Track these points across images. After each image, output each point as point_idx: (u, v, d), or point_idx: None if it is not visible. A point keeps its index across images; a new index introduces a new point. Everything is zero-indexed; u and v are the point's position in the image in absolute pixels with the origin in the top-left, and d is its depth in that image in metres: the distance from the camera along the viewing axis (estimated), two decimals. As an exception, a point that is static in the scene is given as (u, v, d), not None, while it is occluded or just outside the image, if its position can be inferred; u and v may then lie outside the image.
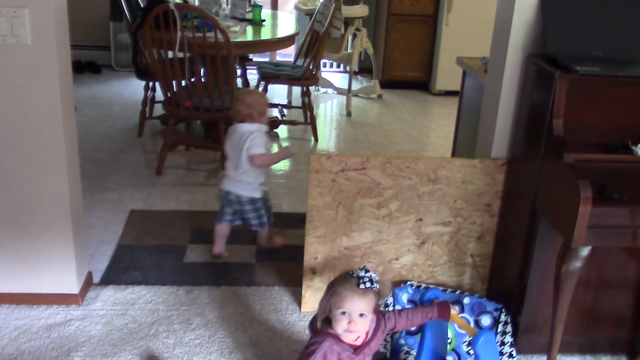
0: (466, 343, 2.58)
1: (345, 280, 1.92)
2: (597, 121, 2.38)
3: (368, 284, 1.89)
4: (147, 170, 4.43)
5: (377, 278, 1.92)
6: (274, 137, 5.40)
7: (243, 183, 3.11)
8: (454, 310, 2.02)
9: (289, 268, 3.24)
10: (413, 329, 2.63)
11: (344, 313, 1.90)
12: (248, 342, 2.65)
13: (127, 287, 2.99)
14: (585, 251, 2.20)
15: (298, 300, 2.94)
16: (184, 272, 3.17)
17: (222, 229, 3.29)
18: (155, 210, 3.83)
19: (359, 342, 1.96)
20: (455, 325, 2.30)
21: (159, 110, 5.29)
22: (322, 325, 1.96)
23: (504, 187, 2.74)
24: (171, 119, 4.35)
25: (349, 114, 6.17)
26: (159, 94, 4.98)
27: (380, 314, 2.01)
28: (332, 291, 1.91)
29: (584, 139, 2.36)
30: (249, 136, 3.02)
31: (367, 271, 1.93)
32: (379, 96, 6.79)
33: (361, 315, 1.90)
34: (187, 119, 4.59)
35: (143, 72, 4.93)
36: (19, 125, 2.55)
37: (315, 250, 2.80)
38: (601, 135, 2.38)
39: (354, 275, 1.91)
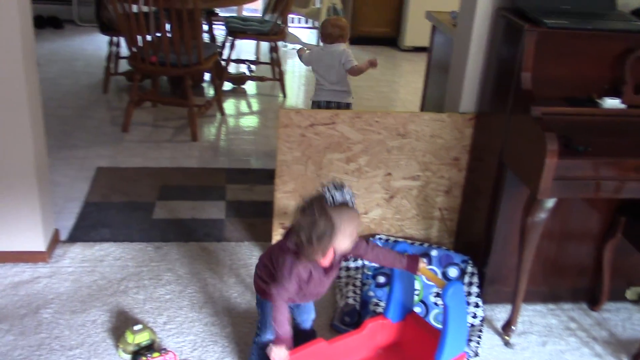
0: (433, 294, 2.64)
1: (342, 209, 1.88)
2: (563, 75, 2.40)
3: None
4: (113, 127, 4.36)
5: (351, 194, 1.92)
6: (242, 93, 5.34)
7: (341, 92, 3.61)
8: (423, 263, 2.05)
9: (258, 224, 3.24)
10: (382, 281, 2.68)
11: (324, 254, 1.92)
12: (219, 296, 2.67)
13: (95, 244, 2.97)
14: (550, 203, 2.24)
15: (268, 255, 2.95)
16: (153, 228, 3.15)
17: None
18: (123, 168, 3.78)
19: (327, 264, 1.97)
20: (424, 277, 2.34)
21: (124, 66, 5.18)
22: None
23: (471, 141, 2.77)
24: (137, 75, 4.25)
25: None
26: (124, 50, 4.87)
27: None
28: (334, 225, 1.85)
29: (550, 92, 2.38)
30: (343, 53, 3.52)
31: (342, 185, 1.92)
32: (348, 52, 6.74)
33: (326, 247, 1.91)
34: (153, 74, 4.50)
35: (107, 27, 4.79)
36: (-22, 80, 2.47)
37: (284, 205, 2.80)
38: (567, 89, 2.40)
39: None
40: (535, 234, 2.30)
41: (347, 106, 3.60)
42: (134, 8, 4.04)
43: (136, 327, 2.31)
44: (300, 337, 2.24)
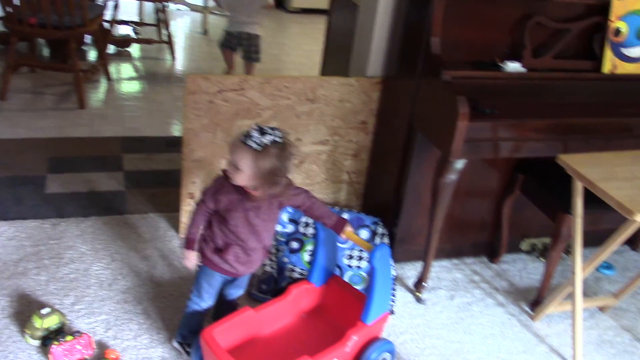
0: (346, 257, 2.68)
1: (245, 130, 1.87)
2: (469, 39, 2.48)
3: (244, 139, 1.83)
4: (-12, 95, 4.00)
5: (261, 141, 1.81)
6: (127, 57, 5.07)
7: (254, 24, 4.43)
8: (350, 227, 2.06)
9: (160, 194, 3.13)
10: (295, 246, 2.68)
11: (229, 158, 1.89)
12: (128, 272, 2.56)
13: (-17, 224, 2.74)
14: (460, 164, 2.33)
15: (176, 226, 2.86)
16: (47, 204, 2.95)
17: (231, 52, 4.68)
18: (4, 139, 3.49)
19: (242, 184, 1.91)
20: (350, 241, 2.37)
21: (-6, 27, 4.76)
22: None
23: (378, 105, 2.80)
24: (13, 37, 3.90)
25: (205, 32, 5.93)
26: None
27: (288, 180, 1.98)
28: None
29: (457, 56, 2.45)
30: None
31: (260, 130, 1.84)
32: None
33: (235, 166, 1.86)
34: (32, 37, 4.15)
35: (-28, -17, 4.34)
36: None
37: (193, 174, 2.71)
38: (473, 53, 2.49)
39: (251, 128, 1.85)
40: (446, 194, 2.39)
41: (257, 37, 4.51)
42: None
43: (43, 311, 2.17)
44: (223, 308, 2.21)
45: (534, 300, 2.66)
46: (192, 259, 2.05)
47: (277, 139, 1.85)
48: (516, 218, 2.84)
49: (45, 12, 3.70)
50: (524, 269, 2.91)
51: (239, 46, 4.60)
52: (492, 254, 2.93)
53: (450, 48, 2.42)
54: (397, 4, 2.62)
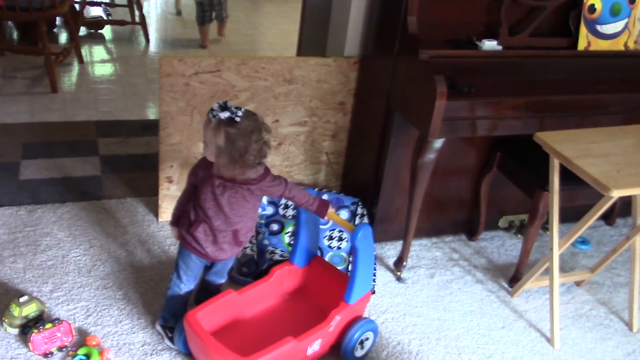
0: (327, 238, 2.69)
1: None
2: (446, 18, 2.47)
3: (209, 115, 1.85)
4: (-43, 80, 3.91)
5: (218, 115, 1.82)
6: (99, 39, 4.98)
7: None
8: (332, 209, 2.07)
9: (138, 178, 3.09)
10: (275, 229, 2.68)
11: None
12: (107, 258, 2.53)
13: (-44, 212, 2.69)
14: (439, 143, 2.34)
15: (154, 210, 2.84)
16: (22, 190, 2.90)
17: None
18: (-22, 125, 3.42)
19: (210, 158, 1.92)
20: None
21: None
22: None
23: (356, 85, 2.79)
24: (-20, 19, 3.81)
25: (179, 13, 5.85)
26: (-41, -9, 4.33)
27: (266, 171, 1.98)
28: None
29: (434, 35, 2.44)
30: None
31: (224, 106, 1.84)
32: (178, 13, 6.48)
33: (204, 141, 1.90)
34: (1, 20, 4.05)
35: None
36: None
37: (170, 158, 2.68)
38: (449, 32, 2.48)
39: (216, 103, 1.87)
40: (425, 174, 2.40)
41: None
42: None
43: (22, 299, 2.14)
44: (205, 294, 2.20)
45: (512, 276, 2.69)
46: (174, 234, 2.13)
47: (235, 117, 1.83)
48: (494, 196, 2.86)
49: (14, -6, 3.61)
50: (502, 246, 2.94)
51: (213, 12, 4.95)
52: (471, 231, 2.96)
53: (428, 27, 2.41)
54: (373, -18, 2.60)
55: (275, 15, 6.08)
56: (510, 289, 2.66)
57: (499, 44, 2.48)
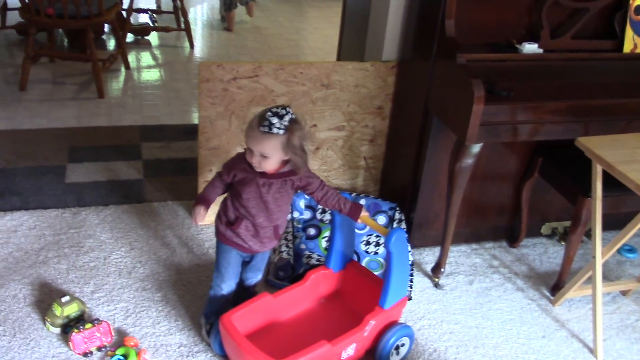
0: (364, 242, 2.68)
1: (257, 118, 1.91)
2: (484, 21, 2.43)
3: (266, 129, 1.87)
4: (8, 86, 4.04)
5: (283, 124, 1.86)
6: (146, 45, 5.09)
7: None
8: (365, 212, 2.06)
9: (179, 182, 3.14)
10: (312, 233, 2.69)
11: (250, 149, 1.93)
12: (147, 260, 2.58)
13: (5, 214, 2.77)
14: (476, 148, 2.30)
15: (194, 213, 2.88)
16: (67, 193, 2.98)
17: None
18: (25, 130, 3.53)
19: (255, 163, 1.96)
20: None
21: (13, 18, 4.79)
22: None
23: (394, 89, 2.78)
24: (31, 28, 3.93)
25: (223, 19, 5.92)
26: (12, 0, 4.50)
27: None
28: (247, 126, 1.95)
29: (472, 39, 2.41)
30: None
31: (276, 114, 1.87)
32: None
33: (263, 155, 1.91)
34: (50, 27, 4.18)
35: (-10, -25, 4.39)
36: None
37: (209, 162, 2.72)
38: (488, 35, 2.45)
39: (263, 116, 1.89)
40: (463, 179, 2.37)
41: None
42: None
43: (64, 299, 2.20)
44: (242, 294, 2.22)
45: (554, 284, 2.63)
46: (199, 214, 2.06)
47: (292, 115, 1.91)
48: (536, 201, 2.80)
49: (62, 2, 3.72)
50: (544, 253, 2.88)
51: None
52: (512, 238, 2.90)
53: (466, 30, 2.38)
54: (411, -14, 2.59)
55: (319, 20, 6.10)
56: (552, 298, 2.60)
57: (540, 47, 2.43)
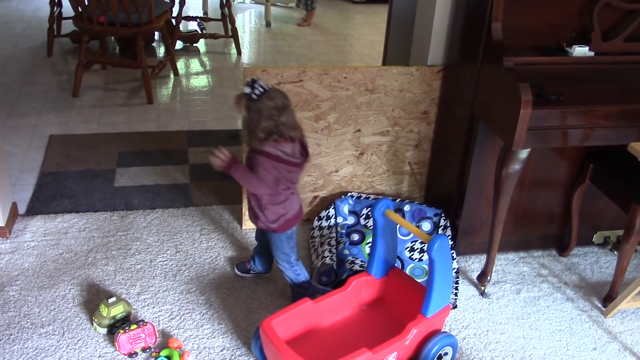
0: (408, 249, 2.64)
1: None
2: (532, 23, 2.38)
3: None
4: (61, 93, 4.17)
5: (246, 91, 2.00)
6: (194, 52, 5.17)
7: None
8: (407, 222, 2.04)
9: (224, 186, 3.17)
10: (356, 239, 2.67)
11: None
12: (192, 263, 2.61)
13: (56, 216, 2.85)
14: (524, 154, 2.25)
15: (238, 218, 2.90)
16: (116, 196, 3.04)
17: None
18: (77, 134, 3.63)
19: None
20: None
21: (67, 27, 4.94)
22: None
23: (440, 94, 2.74)
24: (84, 36, 4.04)
25: (268, 24, 5.97)
26: (67, 10, 4.64)
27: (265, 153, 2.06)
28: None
29: (520, 42, 2.36)
30: None
31: (250, 84, 2.00)
32: (297, 5, 6.59)
33: None
34: (101, 35, 4.30)
35: (47, -15, 4.53)
36: None
37: (254, 167, 2.73)
38: (537, 38, 2.39)
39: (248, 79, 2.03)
40: (510, 185, 2.31)
41: None
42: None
43: (110, 300, 2.24)
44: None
45: (606, 295, 2.54)
46: (225, 153, 2.14)
47: (252, 95, 1.99)
48: (587, 209, 2.72)
49: (114, 11, 3.81)
50: (596, 262, 2.78)
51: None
52: (562, 246, 2.82)
53: (513, 33, 2.33)
54: (458, -11, 2.55)
55: (365, 26, 6.09)
56: (603, 309, 2.51)
57: (591, 49, 2.36)
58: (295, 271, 2.30)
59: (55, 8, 4.69)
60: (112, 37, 4.90)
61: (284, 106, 2.02)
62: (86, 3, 3.85)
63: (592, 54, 2.36)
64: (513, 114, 2.14)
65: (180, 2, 4.83)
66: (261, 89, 1.99)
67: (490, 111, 2.35)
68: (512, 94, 2.14)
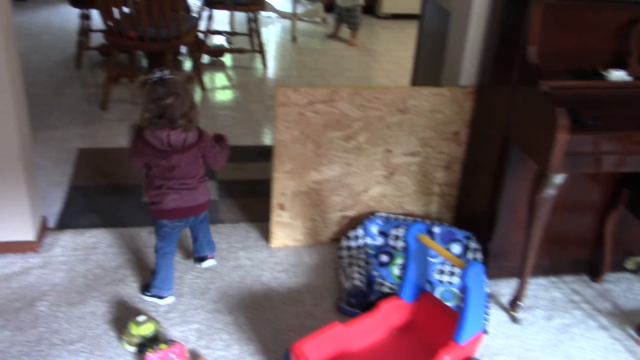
0: (437, 272, 2.61)
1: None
2: (568, 47, 2.35)
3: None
4: (90, 106, 4.20)
5: (142, 79, 2.27)
6: (221, 66, 5.20)
7: None
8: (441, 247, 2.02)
9: (252, 203, 3.17)
10: (384, 260, 2.64)
11: None
12: (219, 281, 2.60)
13: (85, 230, 2.86)
14: (559, 179, 2.22)
15: (266, 236, 2.89)
16: (144, 212, 3.03)
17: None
18: (105, 148, 3.66)
19: None
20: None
21: (95, 40, 5.00)
22: None
23: (472, 115, 2.72)
24: (114, 50, 4.08)
25: (294, 39, 6.00)
26: (95, 23, 4.69)
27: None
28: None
29: (556, 65, 2.33)
30: None
31: (154, 72, 2.24)
32: (323, 20, 6.62)
33: None
34: (131, 49, 4.33)
35: (78, 0, 4.59)
36: (-44, 63, 2.32)
37: (283, 185, 2.73)
38: (572, 61, 2.36)
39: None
40: (544, 210, 2.28)
41: (354, 9, 5.73)
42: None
43: (140, 318, 2.24)
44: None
45: (640, 323, 2.49)
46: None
47: (147, 80, 2.23)
48: (621, 235, 2.67)
49: (144, 26, 3.84)
50: (630, 289, 2.73)
51: (343, 17, 5.89)
52: (594, 272, 2.77)
53: (549, 56, 2.30)
54: (491, 11, 2.54)
55: (391, 42, 6.09)
56: (638, 338, 2.46)
57: (628, 74, 2.32)
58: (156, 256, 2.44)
59: (84, 21, 4.74)
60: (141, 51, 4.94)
61: (173, 94, 2.21)
62: (117, 18, 3.89)
63: (629, 78, 2.33)
64: (548, 138, 2.11)
65: (208, 17, 4.86)
66: (159, 77, 2.22)
67: (524, 134, 2.32)
68: (548, 118, 2.11)
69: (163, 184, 2.31)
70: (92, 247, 2.75)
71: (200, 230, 2.58)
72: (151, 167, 2.32)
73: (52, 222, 2.92)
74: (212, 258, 2.67)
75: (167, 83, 2.21)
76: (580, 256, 2.76)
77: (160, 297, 2.46)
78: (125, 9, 3.95)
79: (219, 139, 2.49)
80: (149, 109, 2.22)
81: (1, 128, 2.46)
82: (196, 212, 2.41)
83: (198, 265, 2.68)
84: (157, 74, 2.23)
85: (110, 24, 3.94)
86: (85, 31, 4.79)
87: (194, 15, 5.00)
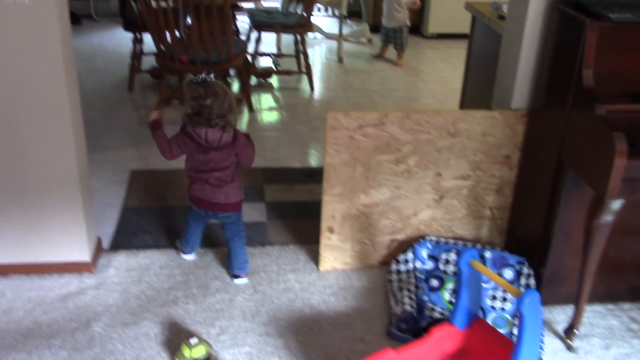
0: (489, 297, 2.57)
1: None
2: (625, 70, 2.30)
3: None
4: (143, 127, 4.30)
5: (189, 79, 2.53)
6: (268, 88, 5.26)
7: (397, 20, 5.84)
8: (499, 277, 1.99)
9: (301, 225, 3.18)
10: (435, 284, 2.62)
11: None
12: (270, 304, 2.62)
13: (139, 251, 2.92)
14: (617, 204, 2.17)
15: (315, 258, 2.89)
16: (195, 233, 3.09)
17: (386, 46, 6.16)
18: (158, 170, 3.73)
19: None
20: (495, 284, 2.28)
21: (147, 63, 5.12)
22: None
23: (524, 139, 2.68)
24: (166, 73, 4.18)
25: (340, 60, 6.03)
26: (147, 46, 4.81)
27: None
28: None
29: (612, 88, 2.29)
30: None
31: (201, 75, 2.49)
32: (369, 40, 6.64)
33: None
34: (182, 72, 4.42)
35: (131, 24, 4.72)
36: (21, 90, 2.41)
37: (332, 208, 2.73)
38: (629, 85, 2.31)
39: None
40: (601, 237, 2.23)
41: (401, 30, 5.83)
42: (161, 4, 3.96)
43: (192, 341, 2.26)
44: None
45: None
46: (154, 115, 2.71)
47: (195, 80, 2.48)
48: (680, 261, 2.59)
49: (195, 50, 3.93)
50: (690, 317, 2.64)
51: (389, 37, 5.95)
52: (652, 299, 2.69)
53: (604, 79, 2.26)
54: (544, 33, 2.51)
55: (437, 62, 6.06)
56: (700, 368, 2.37)
57: (689, 96, 2.26)
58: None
59: (137, 45, 4.87)
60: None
61: (212, 96, 2.43)
62: (169, 42, 3.98)
63: (689, 101, 2.27)
64: (606, 164, 2.07)
65: (256, 39, 4.93)
66: (205, 81, 2.45)
67: (580, 159, 2.28)
68: (606, 143, 2.07)
69: (193, 174, 2.62)
70: (145, 269, 2.81)
71: (230, 241, 2.73)
72: (188, 158, 2.61)
73: (106, 243, 2.99)
74: (243, 277, 2.76)
75: (209, 85, 2.45)
76: (638, 283, 2.68)
77: (183, 252, 2.87)
78: (177, 33, 4.04)
79: (246, 138, 2.65)
80: (190, 105, 2.48)
81: (61, 151, 2.54)
82: (212, 209, 2.65)
83: (230, 281, 2.76)
84: (202, 76, 2.46)
85: (162, 47, 4.03)
86: (137, 54, 4.92)
87: (243, 38, 5.09)
